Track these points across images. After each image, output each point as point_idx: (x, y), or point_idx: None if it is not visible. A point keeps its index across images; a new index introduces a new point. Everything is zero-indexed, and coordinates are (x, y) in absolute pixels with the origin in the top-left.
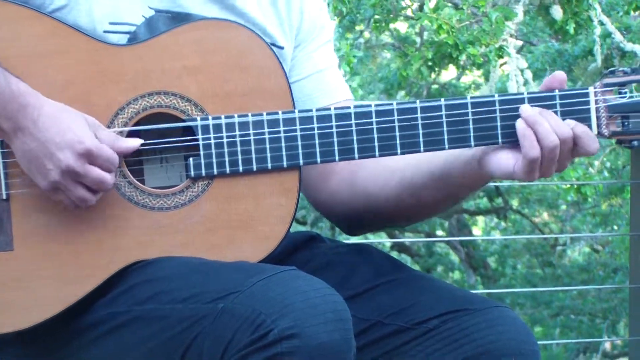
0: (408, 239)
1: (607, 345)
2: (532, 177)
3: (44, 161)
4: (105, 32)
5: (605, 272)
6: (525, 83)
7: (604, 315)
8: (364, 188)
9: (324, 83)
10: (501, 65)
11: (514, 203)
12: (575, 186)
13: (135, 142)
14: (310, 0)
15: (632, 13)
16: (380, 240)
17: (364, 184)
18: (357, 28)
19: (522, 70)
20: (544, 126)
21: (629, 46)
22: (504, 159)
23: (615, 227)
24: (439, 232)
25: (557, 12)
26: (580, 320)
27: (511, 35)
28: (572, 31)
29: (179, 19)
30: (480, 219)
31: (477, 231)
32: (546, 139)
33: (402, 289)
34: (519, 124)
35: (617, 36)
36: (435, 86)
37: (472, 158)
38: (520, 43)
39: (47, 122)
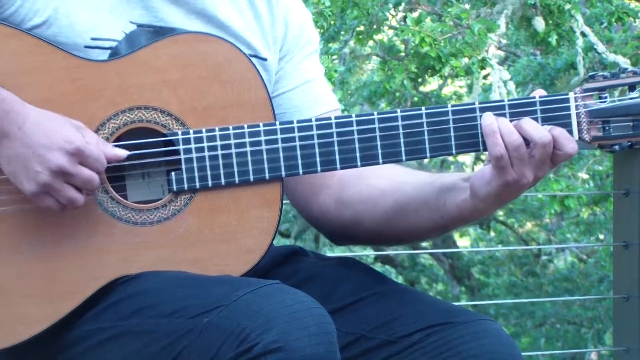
0: (392, 250)
1: (593, 356)
2: (505, 177)
3: (32, 164)
4: (86, 47)
5: (589, 281)
6: (509, 94)
7: (589, 325)
8: (351, 206)
9: (311, 94)
10: (484, 76)
11: (498, 213)
12: (559, 198)
13: (122, 153)
14: (295, 11)
15: (614, 24)
16: (364, 253)
17: (351, 202)
18: (342, 38)
19: (505, 82)
20: (505, 125)
21: (611, 57)
22: (482, 169)
23: (602, 237)
24: (423, 243)
25: (539, 23)
26: (565, 330)
27: (494, 47)
28: (554, 43)
29: (161, 33)
30: (465, 229)
31: (461, 242)
32: (508, 136)
33: (385, 302)
34: (483, 122)
35: (600, 47)
36: (418, 96)
37: (465, 195)
38: (502, 54)
39: (33, 126)
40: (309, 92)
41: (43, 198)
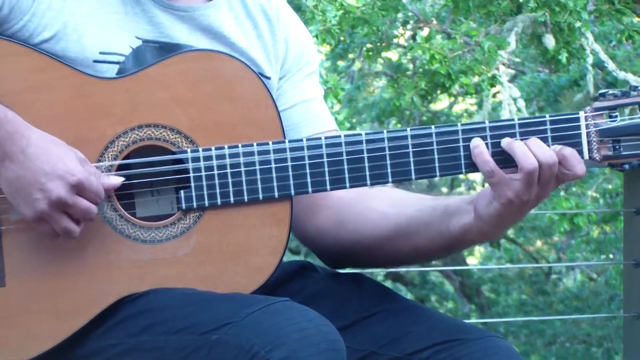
0: (402, 268)
1: None
2: (529, 192)
3: (31, 191)
4: (95, 61)
5: (599, 300)
6: (518, 111)
7: (599, 343)
8: (351, 227)
9: (310, 112)
10: (494, 94)
11: (508, 231)
12: (569, 216)
13: (117, 180)
14: (296, 32)
15: (624, 42)
16: (374, 270)
17: (352, 224)
18: (350, 56)
19: (514, 99)
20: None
21: (621, 75)
22: (484, 190)
23: (612, 255)
24: (433, 261)
25: (549, 41)
26: (575, 349)
27: (504, 64)
28: (564, 60)
29: (167, 49)
30: (475, 248)
31: (471, 260)
32: (524, 160)
33: (395, 319)
34: (471, 145)
35: (610, 65)
36: (428, 114)
37: (469, 217)
38: (512, 72)
39: (36, 151)
40: (307, 111)
41: (40, 224)
